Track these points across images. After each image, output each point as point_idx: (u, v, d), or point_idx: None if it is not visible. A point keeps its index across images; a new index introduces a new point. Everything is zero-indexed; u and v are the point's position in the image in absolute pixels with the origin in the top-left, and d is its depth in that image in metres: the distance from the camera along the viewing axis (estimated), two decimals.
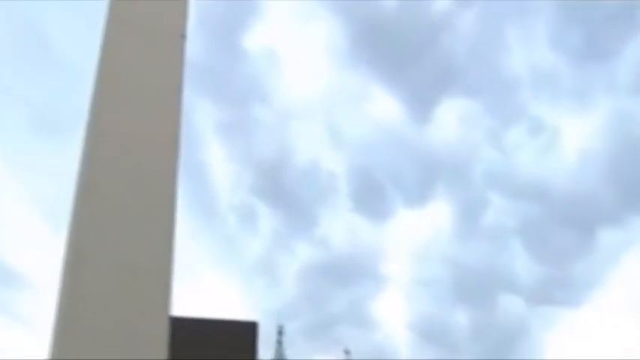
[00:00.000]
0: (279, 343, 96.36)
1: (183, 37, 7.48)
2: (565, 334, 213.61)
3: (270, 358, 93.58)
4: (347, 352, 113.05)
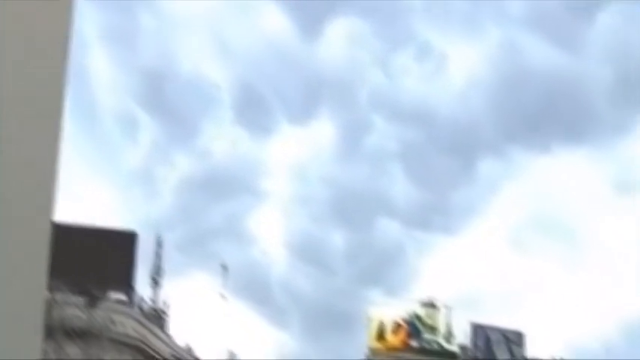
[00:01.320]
0: (157, 254, 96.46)
1: None
2: (441, 260, 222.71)
3: (147, 269, 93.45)
4: (224, 267, 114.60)
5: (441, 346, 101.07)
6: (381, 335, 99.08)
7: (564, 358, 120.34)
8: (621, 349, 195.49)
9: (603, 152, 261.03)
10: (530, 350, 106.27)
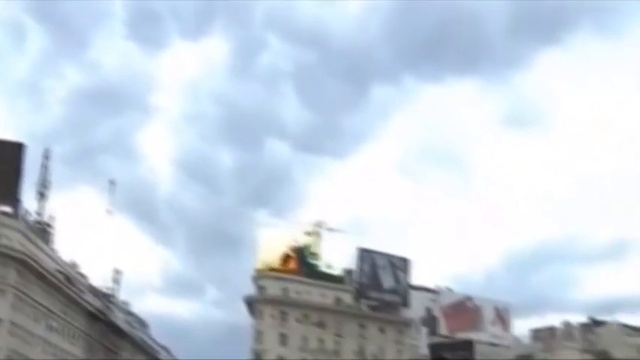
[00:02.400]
0: (44, 167, 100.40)
1: None
2: (329, 184, 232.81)
3: (33, 181, 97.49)
4: (112, 182, 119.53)
5: (327, 270, 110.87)
6: (268, 258, 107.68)
7: (448, 286, 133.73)
8: (503, 279, 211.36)
9: (496, 85, 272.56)
10: (415, 277, 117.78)
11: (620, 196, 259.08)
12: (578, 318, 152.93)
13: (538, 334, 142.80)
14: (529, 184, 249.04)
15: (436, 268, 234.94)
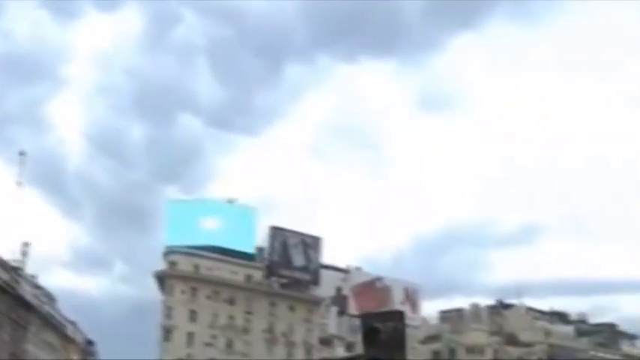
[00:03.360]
0: None
1: None
2: (241, 161, 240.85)
3: None
4: (22, 153, 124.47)
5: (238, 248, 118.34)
6: (179, 234, 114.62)
7: (358, 265, 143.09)
8: (412, 260, 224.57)
9: (411, 67, 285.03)
10: (325, 256, 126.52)
11: (531, 181, 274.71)
12: (486, 301, 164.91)
13: (446, 315, 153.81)
14: (441, 167, 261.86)
15: (347, 248, 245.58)
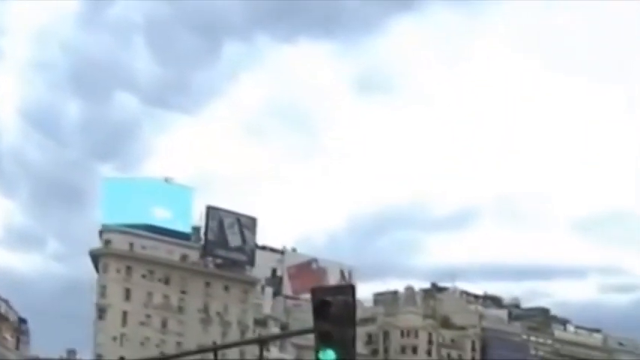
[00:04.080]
0: None
1: None
2: (177, 139, 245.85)
3: None
4: None
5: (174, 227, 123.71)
6: (115, 213, 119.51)
7: (294, 247, 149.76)
8: (347, 241, 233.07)
9: (349, 49, 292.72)
10: (261, 237, 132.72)
11: (467, 164, 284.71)
12: (420, 284, 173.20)
13: (381, 298, 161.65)
14: (377, 149, 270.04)
15: (282, 229, 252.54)
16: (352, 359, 16.21)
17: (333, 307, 16.16)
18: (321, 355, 16.33)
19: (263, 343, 19.43)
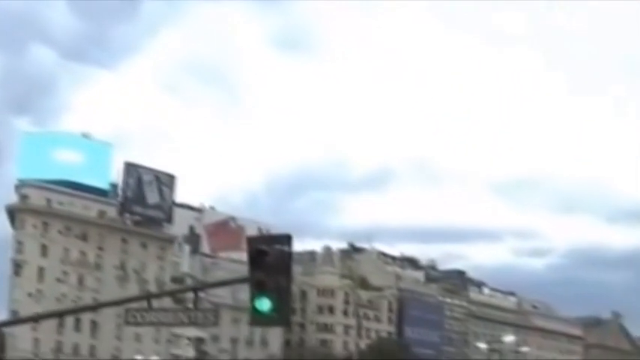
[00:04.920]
0: None
1: None
2: (95, 94, 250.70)
3: None
4: None
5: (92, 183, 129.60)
6: (32, 167, 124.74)
7: (212, 205, 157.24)
8: (264, 201, 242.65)
9: (269, 7, 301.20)
10: (179, 194, 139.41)
11: (385, 125, 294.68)
12: (337, 244, 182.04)
13: (298, 257, 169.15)
14: (295, 108, 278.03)
15: (200, 187, 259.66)
16: (287, 307, 18.01)
17: (268, 257, 17.66)
18: (256, 303, 17.85)
19: (198, 290, 20.90)
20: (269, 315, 17.84)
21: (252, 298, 17.78)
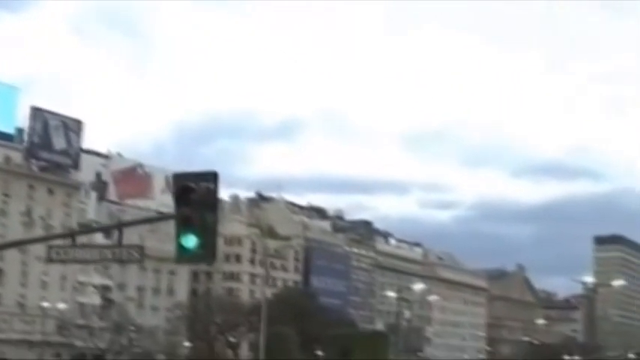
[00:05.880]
0: None
1: None
2: (1, 37, 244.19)
3: None
4: None
5: None
6: None
7: (119, 151, 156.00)
8: (172, 149, 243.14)
9: None
10: (86, 140, 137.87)
11: (295, 75, 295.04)
12: (245, 193, 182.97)
13: None
14: (207, 56, 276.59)
15: (108, 133, 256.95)
16: (213, 244, 18.11)
17: (194, 193, 17.72)
18: (182, 240, 18.00)
19: (122, 227, 20.92)
20: (195, 251, 18.06)
21: (178, 235, 17.92)
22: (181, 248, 18.20)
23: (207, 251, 18.22)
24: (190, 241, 17.75)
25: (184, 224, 17.96)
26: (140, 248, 20.74)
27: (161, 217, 20.47)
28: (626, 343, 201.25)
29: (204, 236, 17.77)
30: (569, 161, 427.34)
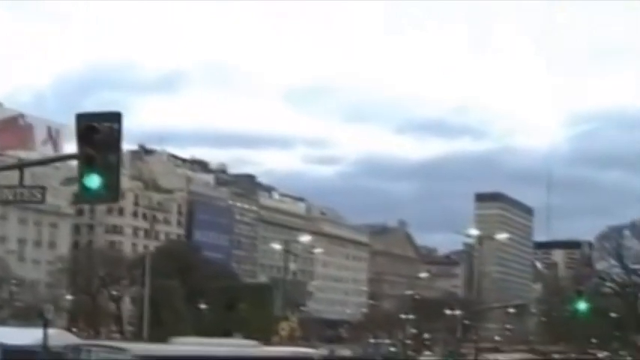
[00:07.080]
0: None
1: None
2: None
3: None
4: None
5: None
6: None
7: (0, 102, 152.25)
8: (53, 101, 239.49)
9: None
10: None
11: (177, 26, 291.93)
12: (127, 146, 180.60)
13: None
14: (89, 7, 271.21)
15: None
16: (117, 184, 18.19)
17: (98, 133, 17.50)
18: (85, 180, 17.92)
19: (23, 167, 20.93)
20: (98, 191, 18.02)
21: (82, 175, 17.87)
22: (84, 188, 18.11)
23: (110, 191, 18.15)
24: (94, 181, 17.67)
25: (88, 164, 17.75)
26: (42, 189, 20.50)
27: (64, 156, 20.07)
28: (505, 298, 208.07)
29: (107, 176, 17.68)
30: (452, 119, 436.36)
